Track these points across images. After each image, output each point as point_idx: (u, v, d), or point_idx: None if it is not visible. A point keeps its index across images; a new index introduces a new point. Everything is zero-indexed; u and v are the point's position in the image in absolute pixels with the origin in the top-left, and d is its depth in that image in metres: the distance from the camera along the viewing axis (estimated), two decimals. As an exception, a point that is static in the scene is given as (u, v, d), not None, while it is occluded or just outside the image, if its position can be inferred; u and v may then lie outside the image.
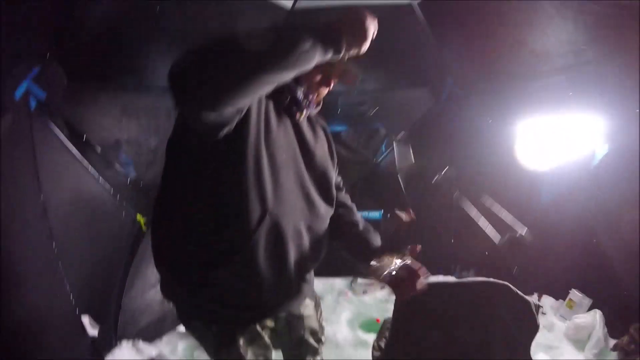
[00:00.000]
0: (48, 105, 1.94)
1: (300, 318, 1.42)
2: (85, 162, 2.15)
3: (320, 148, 1.23)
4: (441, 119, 2.90)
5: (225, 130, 0.95)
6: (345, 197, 1.40)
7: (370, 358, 1.80)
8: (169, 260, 1.16)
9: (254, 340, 1.30)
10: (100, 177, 2.24)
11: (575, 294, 2.57)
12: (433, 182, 3.06)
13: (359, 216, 1.41)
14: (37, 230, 1.80)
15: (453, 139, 2.94)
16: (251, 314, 1.24)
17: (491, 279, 1.37)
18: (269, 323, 1.35)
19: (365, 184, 3.20)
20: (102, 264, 2.24)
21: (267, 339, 1.33)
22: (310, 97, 1.14)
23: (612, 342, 2.29)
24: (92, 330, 2.04)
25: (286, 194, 1.09)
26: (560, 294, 2.71)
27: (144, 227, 2.46)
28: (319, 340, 1.57)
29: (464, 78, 2.69)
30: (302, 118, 1.16)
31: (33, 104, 1.86)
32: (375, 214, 3.23)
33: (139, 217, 2.45)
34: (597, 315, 2.36)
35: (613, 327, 2.34)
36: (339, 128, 2.99)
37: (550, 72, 2.11)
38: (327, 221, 1.28)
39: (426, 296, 1.40)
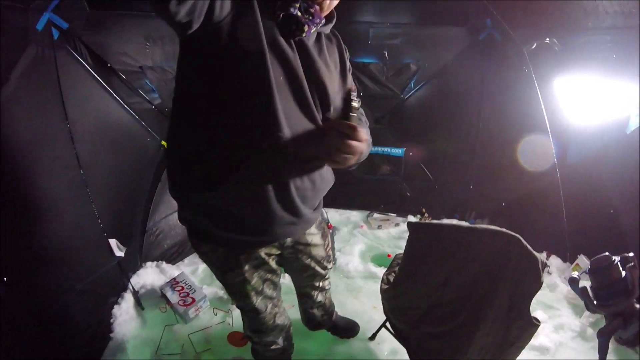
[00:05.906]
0: (71, 34, 1.95)
1: (307, 246, 1.49)
2: (109, 89, 2.21)
3: (329, 71, 1.12)
4: (475, 58, 2.71)
5: (194, 25, 0.87)
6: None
7: (379, 290, 1.88)
8: (180, 183, 1.17)
9: (260, 265, 1.36)
10: (125, 104, 2.31)
11: (583, 260, 2.51)
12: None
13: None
14: (65, 156, 1.92)
15: (484, 82, 2.76)
16: (255, 238, 1.25)
17: (504, 229, 1.35)
18: (275, 250, 1.38)
19: (390, 119, 3.13)
20: (128, 189, 2.39)
21: (273, 264, 1.41)
22: (312, 10, 0.99)
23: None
24: (119, 252, 2.17)
25: (290, 117, 1.03)
26: (568, 257, 2.67)
27: (168, 153, 2.55)
28: (324, 268, 1.67)
29: (504, 21, 2.46)
30: (305, 35, 1.01)
31: (56, 34, 1.89)
32: (398, 151, 3.21)
33: (163, 142, 2.54)
34: (600, 285, 2.35)
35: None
36: (367, 60, 2.86)
37: (595, 30, 1.92)
38: None
39: (439, 237, 1.47)
